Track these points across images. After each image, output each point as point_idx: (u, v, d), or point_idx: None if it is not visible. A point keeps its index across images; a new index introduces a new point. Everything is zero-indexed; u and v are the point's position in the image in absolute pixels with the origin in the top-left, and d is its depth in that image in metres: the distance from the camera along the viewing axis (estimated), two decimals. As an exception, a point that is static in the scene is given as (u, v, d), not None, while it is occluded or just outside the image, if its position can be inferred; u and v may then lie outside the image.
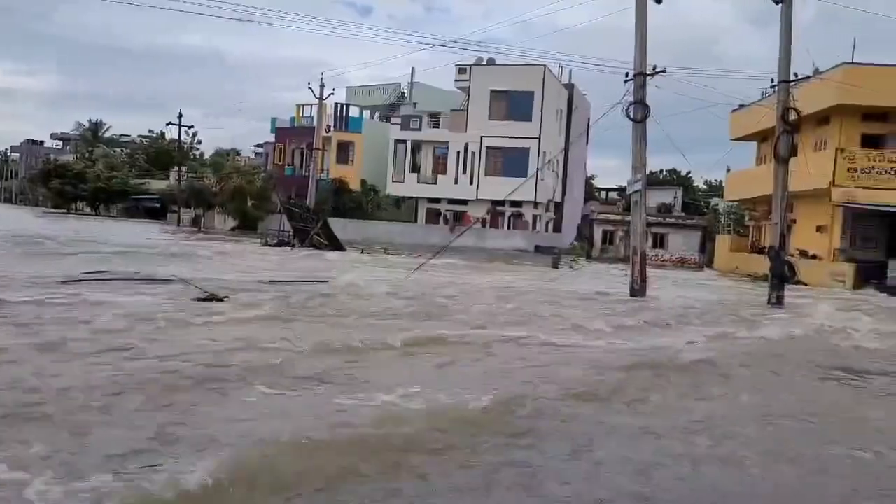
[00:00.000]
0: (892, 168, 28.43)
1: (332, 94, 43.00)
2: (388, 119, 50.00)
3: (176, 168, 60.17)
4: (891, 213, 27.85)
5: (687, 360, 9.07)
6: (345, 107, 50.99)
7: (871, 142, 30.28)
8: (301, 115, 51.07)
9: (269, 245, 32.79)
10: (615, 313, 13.89)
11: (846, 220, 29.23)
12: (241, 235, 40.96)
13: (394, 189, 46.19)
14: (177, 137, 61.03)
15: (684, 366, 8.81)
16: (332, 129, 48.15)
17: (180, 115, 56.98)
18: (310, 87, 41.63)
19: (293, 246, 32.05)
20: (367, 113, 55.15)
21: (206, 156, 75.71)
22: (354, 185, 47.19)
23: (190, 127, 65.45)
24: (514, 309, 13.58)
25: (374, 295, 14.10)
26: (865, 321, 14.82)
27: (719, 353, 9.83)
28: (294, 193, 43.51)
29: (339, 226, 35.63)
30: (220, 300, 11.41)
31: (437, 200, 45.00)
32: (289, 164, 51.27)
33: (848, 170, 28.62)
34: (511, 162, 41.38)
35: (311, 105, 45.65)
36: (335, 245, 31.97)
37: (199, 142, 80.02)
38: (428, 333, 9.67)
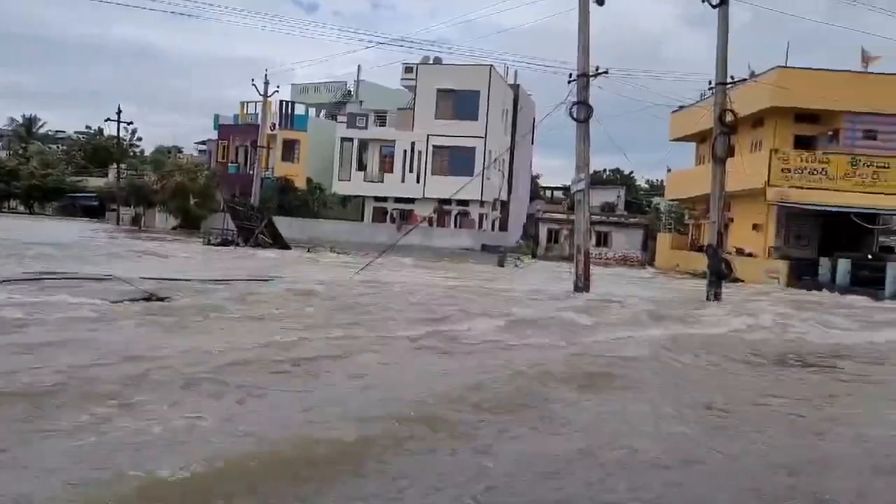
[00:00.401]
0: (822, 168, 29.49)
1: (277, 91, 42.55)
2: (334, 117, 49.69)
3: (115, 165, 58.57)
4: (822, 211, 28.91)
5: (622, 355, 9.26)
6: (290, 104, 50.49)
7: (803, 143, 31.39)
8: (245, 112, 50.35)
9: (213, 244, 32.24)
10: (557, 311, 14.07)
11: (780, 218, 30.20)
12: (183, 234, 40.14)
13: (340, 188, 45.91)
14: (115, 134, 59.53)
15: (618, 361, 8.99)
16: (277, 126, 47.64)
17: (119, 111, 55.61)
18: (254, 85, 41.10)
19: (237, 245, 31.58)
20: (312, 111, 54.67)
21: (147, 153, 73.90)
22: (300, 184, 46.77)
23: (129, 123, 64.01)
24: (456, 305, 13.66)
25: (315, 294, 14.02)
26: (796, 316, 15.38)
27: (658, 348, 10.07)
28: (238, 192, 42.91)
29: (284, 224, 35.26)
30: (161, 300, 11.19)
31: (384, 199, 44.93)
32: (233, 162, 50.49)
33: (782, 170, 29.57)
34: (457, 161, 41.60)
35: (256, 102, 45.07)
36: (280, 244, 31.64)
37: (140, 139, 78.12)
38: (353, 333, 9.63)
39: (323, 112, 55.29)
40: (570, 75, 18.55)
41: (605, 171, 70.72)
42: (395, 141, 44.18)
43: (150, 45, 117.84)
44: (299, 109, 51.72)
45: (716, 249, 19.67)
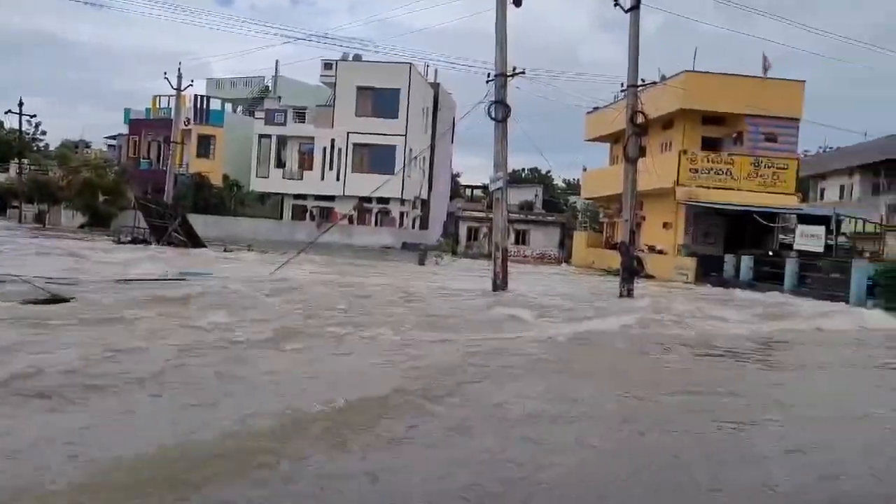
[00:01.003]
0: (727, 169, 30.90)
1: (191, 85, 41.28)
2: (251, 113, 48.71)
3: (16, 160, 55.62)
4: (727, 210, 30.27)
5: (536, 349, 9.51)
6: (205, 99, 49.13)
7: (709, 144, 32.80)
8: (158, 106, 48.71)
9: (123, 243, 31.06)
10: (474, 309, 14.28)
11: (689, 217, 31.46)
12: (91, 232, 38.53)
13: (258, 185, 45.07)
14: (17, 127, 56.51)
15: (539, 349, 9.24)
16: (191, 121, 46.28)
17: (21, 104, 52.79)
18: (166, 78, 39.79)
19: (150, 244, 30.57)
20: (229, 106, 53.41)
21: (52, 147, 70.45)
22: (216, 181, 45.62)
23: (32, 116, 60.72)
24: (373, 305, 13.68)
25: (230, 292, 13.76)
26: (703, 310, 16.11)
27: (573, 342, 10.39)
28: (151, 189, 41.53)
29: (199, 223, 34.36)
30: (66, 301, 10.77)
31: (304, 197, 44.37)
32: (144, 158, 48.81)
33: (690, 170, 30.84)
34: (378, 159, 41.50)
35: (169, 96, 43.57)
36: (195, 243, 30.78)
37: (44, 132, 74.32)
38: (287, 324, 9.59)
39: (240, 108, 54.08)
40: (489, 75, 18.80)
41: (523, 170, 71.86)
42: (314, 138, 43.70)
43: (54, 35, 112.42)
44: (215, 104, 50.41)
45: (628, 247, 20.33)
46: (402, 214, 44.28)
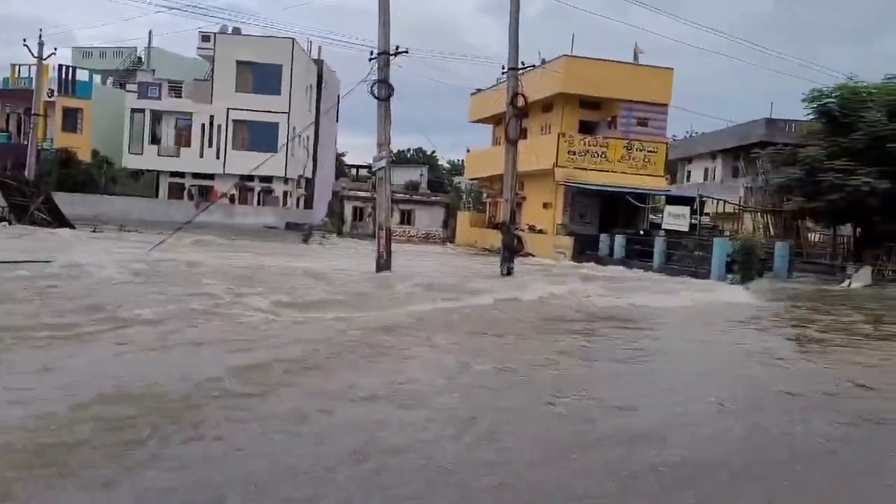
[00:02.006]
0: (602, 152, 32.23)
1: (54, 54, 38.76)
2: (122, 86, 46.12)
3: None
4: (602, 192, 31.62)
5: (414, 325, 9.69)
6: (71, 69, 46.05)
7: (586, 128, 34.06)
8: (17, 76, 45.16)
9: (-22, 222, 28.89)
10: (356, 289, 14.33)
11: (567, 198, 32.61)
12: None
13: (131, 162, 42.86)
14: None
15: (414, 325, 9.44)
16: (55, 93, 43.32)
17: None
18: (26, 45, 37.09)
19: (10, 223, 28.58)
20: (98, 78, 50.31)
21: None
22: (85, 157, 43.03)
23: None
24: (260, 282, 13.49)
25: (88, 276, 13.17)
26: (580, 287, 16.85)
27: (454, 317, 10.66)
28: (10, 164, 38.64)
29: (66, 201, 32.40)
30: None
31: (181, 175, 42.62)
32: (3, 131, 45.33)
33: (568, 152, 31.94)
34: (259, 136, 40.40)
35: (30, 65, 40.64)
36: (61, 222, 29.04)
37: None
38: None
39: (110, 80, 51.08)
40: (371, 53, 18.73)
41: (409, 150, 72.00)
42: (192, 113, 41.98)
43: None
44: (82, 75, 47.29)
45: (509, 226, 20.94)
46: (285, 194, 43.42)
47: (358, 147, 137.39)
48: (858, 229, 25.55)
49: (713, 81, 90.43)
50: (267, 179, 41.51)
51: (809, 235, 29.90)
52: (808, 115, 25.47)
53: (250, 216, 39.79)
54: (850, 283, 21.80)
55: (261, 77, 41.20)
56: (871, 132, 22.13)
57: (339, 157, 61.39)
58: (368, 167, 60.78)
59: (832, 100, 24.02)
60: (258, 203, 42.69)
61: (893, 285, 22.53)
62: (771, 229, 28.95)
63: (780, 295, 18.20)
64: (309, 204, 46.28)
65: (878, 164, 21.96)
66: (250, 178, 38.89)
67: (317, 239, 33.16)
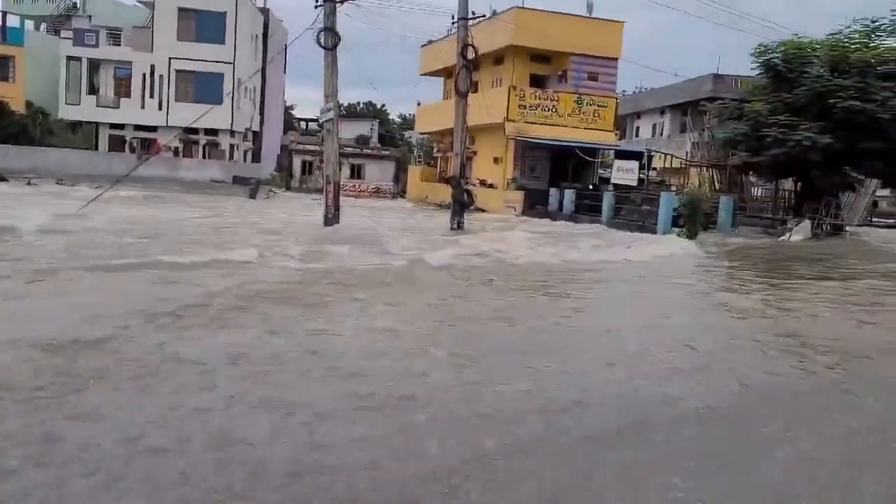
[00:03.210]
0: (553, 106, 32.16)
1: (-18, -3, 36.62)
2: (57, 32, 44.01)
3: None
4: (552, 146, 31.65)
5: (356, 280, 9.56)
6: (1, 14, 43.72)
7: (537, 82, 33.87)
8: (-59, 21, 42.78)
9: None
10: (303, 242, 14.13)
11: (518, 152, 32.56)
12: None
13: (68, 113, 41.17)
14: None
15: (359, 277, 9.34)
16: (-16, 39, 41.14)
17: None
18: (-50, -12, 34.98)
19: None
20: (30, 24, 47.93)
21: None
22: (18, 107, 41.13)
23: None
24: (201, 236, 13.18)
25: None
26: (526, 241, 16.94)
27: (400, 272, 10.58)
28: (-64, 115, 36.81)
29: (-2, 153, 31.07)
30: None
31: (122, 126, 41.17)
32: (-73, 80, 42.95)
33: (519, 106, 31.77)
34: (204, 87, 39.17)
35: (-45, 9, 38.46)
36: (-7, 175, 27.91)
37: None
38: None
39: (44, 25, 48.70)
40: (317, 0, 18.20)
41: (358, 103, 70.90)
42: (131, 62, 40.40)
43: None
44: (13, 21, 45.02)
45: (459, 181, 20.84)
46: (232, 147, 42.38)
47: (307, 100, 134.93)
48: (799, 184, 26.11)
49: (663, 36, 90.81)
50: (212, 132, 40.42)
51: (752, 190, 30.50)
52: (754, 70, 25.73)
53: (195, 170, 38.78)
54: (790, 237, 22.40)
55: (204, 25, 39.77)
56: (813, 88, 22.46)
57: (287, 110, 60.11)
58: (317, 120, 59.78)
59: (777, 55, 24.26)
60: (203, 156, 41.59)
61: (830, 238, 23.29)
62: (716, 184, 29.43)
63: (723, 248, 18.61)
64: (256, 157, 45.32)
65: (820, 119, 22.35)
66: (195, 130, 37.82)
67: (264, 193, 32.58)
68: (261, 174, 40.76)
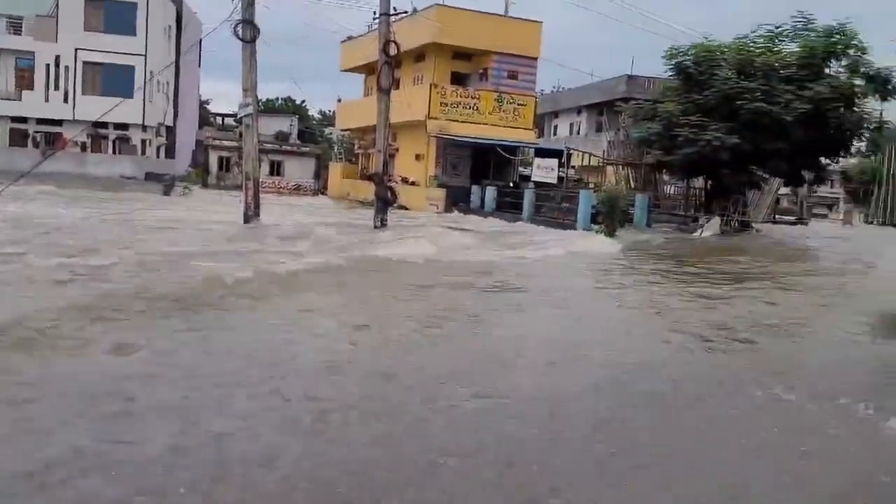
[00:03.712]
0: (474, 104, 32.40)
1: None
2: (-50, 19, 41.39)
3: None
4: (473, 144, 31.89)
5: (277, 281, 9.33)
6: None
7: (458, 79, 34.05)
8: None
9: None
10: (221, 240, 13.77)
11: (439, 149, 32.65)
12: None
13: (-37, 105, 38.80)
14: None
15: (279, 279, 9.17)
16: None
17: None
18: None
19: None
20: (-82, 9, 44.85)
21: None
22: None
23: None
24: (109, 235, 12.67)
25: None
26: (449, 238, 17.01)
27: (320, 271, 10.43)
28: None
29: None
30: None
31: (24, 120, 39.08)
32: None
33: (440, 104, 31.87)
34: (113, 80, 37.59)
35: None
36: None
37: None
38: None
39: (-66, 12, 45.70)
40: (233, -10, 17.74)
41: (277, 99, 69.64)
42: (34, 53, 38.39)
43: None
44: None
45: (382, 177, 20.71)
46: (143, 142, 40.86)
47: (223, 95, 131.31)
48: (709, 182, 27.20)
49: (580, 36, 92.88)
50: (123, 127, 38.86)
51: (665, 188, 31.56)
52: (666, 72, 26.63)
53: (105, 165, 37.21)
54: (702, 233, 23.32)
55: (113, 15, 38.17)
56: (722, 90, 23.43)
57: (202, 104, 58.47)
58: (235, 115, 58.35)
59: (688, 58, 25.18)
60: (114, 151, 39.94)
61: (738, 234, 24.39)
62: (631, 182, 30.31)
63: (640, 244, 19.18)
64: (170, 153, 43.87)
65: (729, 120, 23.35)
66: (104, 125, 36.33)
67: (180, 190, 31.53)
68: (175, 170, 39.47)
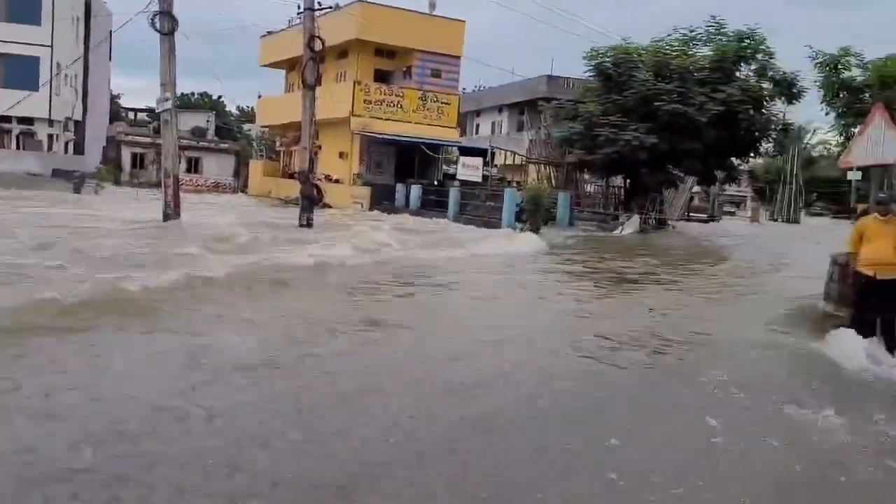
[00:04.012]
0: (398, 102, 32.29)
1: None
2: None
3: None
4: (397, 142, 31.79)
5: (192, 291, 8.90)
6: None
7: (382, 77, 33.87)
8: None
9: None
10: (140, 241, 13.24)
11: (363, 147, 32.40)
12: None
13: None
14: None
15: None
16: None
17: None
18: None
19: None
20: None
21: None
22: None
23: None
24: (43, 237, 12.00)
25: None
26: (375, 237, 16.87)
27: (243, 273, 10.12)
28: None
29: None
30: None
31: (-83, 113, 36.59)
32: None
33: (364, 101, 31.61)
34: (17, 72, 35.56)
35: None
36: None
37: None
38: None
39: None
40: (151, -19, 17.06)
41: (193, 94, 67.52)
42: (-74, 41, 36.02)
43: None
44: None
45: (308, 175, 20.37)
46: (50, 137, 38.89)
47: (135, 89, 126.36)
48: (628, 181, 27.97)
49: (502, 36, 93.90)
50: (27, 121, 36.90)
51: (586, 186, 32.28)
52: (586, 72, 27.22)
53: (8, 161, 35.17)
54: (622, 230, 23.94)
55: (15, 2, 36.16)
56: (640, 91, 24.12)
57: (113, 99, 56.14)
58: (148, 110, 56.32)
59: (608, 59, 25.81)
60: (18, 147, 37.85)
61: (656, 231, 25.17)
62: (553, 180, 30.85)
63: (564, 241, 19.53)
64: (80, 149, 41.92)
65: (646, 120, 24.07)
66: (6, 118, 34.43)
67: (91, 188, 30.15)
68: (85, 167, 37.72)
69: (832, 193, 59.27)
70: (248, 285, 9.31)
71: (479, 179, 28.47)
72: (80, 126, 42.14)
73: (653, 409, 5.44)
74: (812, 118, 69.84)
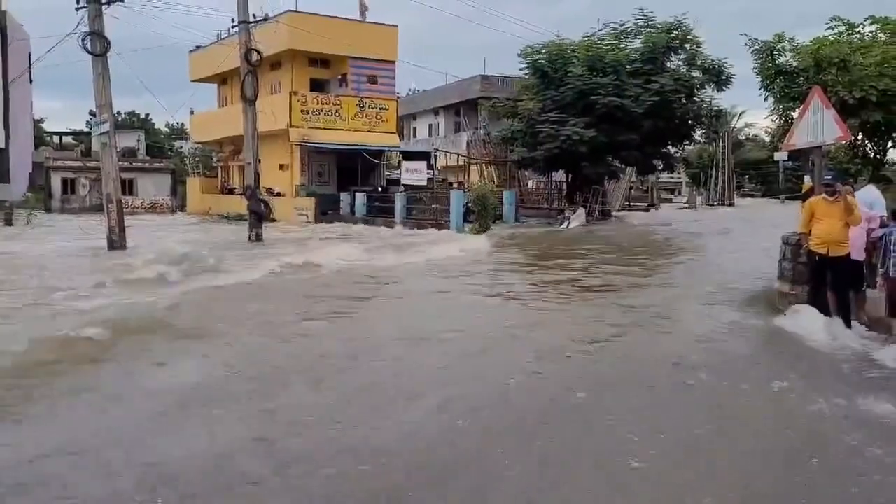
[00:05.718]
0: (336, 110, 32.07)
1: None
2: None
3: None
4: (337, 150, 31.60)
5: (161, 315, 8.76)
6: None
7: (318, 86, 33.59)
8: None
9: None
10: (87, 274, 12.86)
11: (304, 158, 32.06)
12: None
13: None
14: None
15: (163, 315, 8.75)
16: None
17: None
18: None
19: None
20: None
21: None
22: None
23: None
24: None
25: None
26: (330, 248, 16.78)
27: (203, 300, 9.98)
28: None
29: None
30: None
31: None
32: None
33: (301, 111, 31.29)
34: (-70, 101, 34.05)
35: None
36: None
37: None
38: None
39: None
40: (78, 1, 16.59)
41: (120, 113, 65.71)
42: None
43: None
44: None
45: (254, 191, 20.11)
46: (-28, 167, 37.28)
47: (59, 111, 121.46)
48: (570, 175, 28.44)
49: (433, 37, 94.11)
50: (-54, 151, 35.32)
51: (528, 183, 32.67)
52: (522, 70, 27.56)
53: (-74, 195, 33.58)
54: (568, 224, 24.34)
55: (-75, 29, 34.55)
56: (577, 86, 24.55)
57: (37, 123, 54.17)
58: (73, 133, 54.61)
59: (542, 56, 26.20)
60: (-64, 180, 36.17)
61: (601, 222, 25.70)
62: (495, 179, 31.15)
63: (514, 238, 19.77)
64: (4, 178, 40.25)
65: (585, 114, 24.53)
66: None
67: (24, 218, 29.00)
68: (12, 196, 36.20)
69: (761, 175, 61.66)
70: (212, 308, 9.17)
71: (424, 183, 28.53)
72: (3, 154, 40.48)
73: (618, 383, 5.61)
74: (737, 102, 72.44)
